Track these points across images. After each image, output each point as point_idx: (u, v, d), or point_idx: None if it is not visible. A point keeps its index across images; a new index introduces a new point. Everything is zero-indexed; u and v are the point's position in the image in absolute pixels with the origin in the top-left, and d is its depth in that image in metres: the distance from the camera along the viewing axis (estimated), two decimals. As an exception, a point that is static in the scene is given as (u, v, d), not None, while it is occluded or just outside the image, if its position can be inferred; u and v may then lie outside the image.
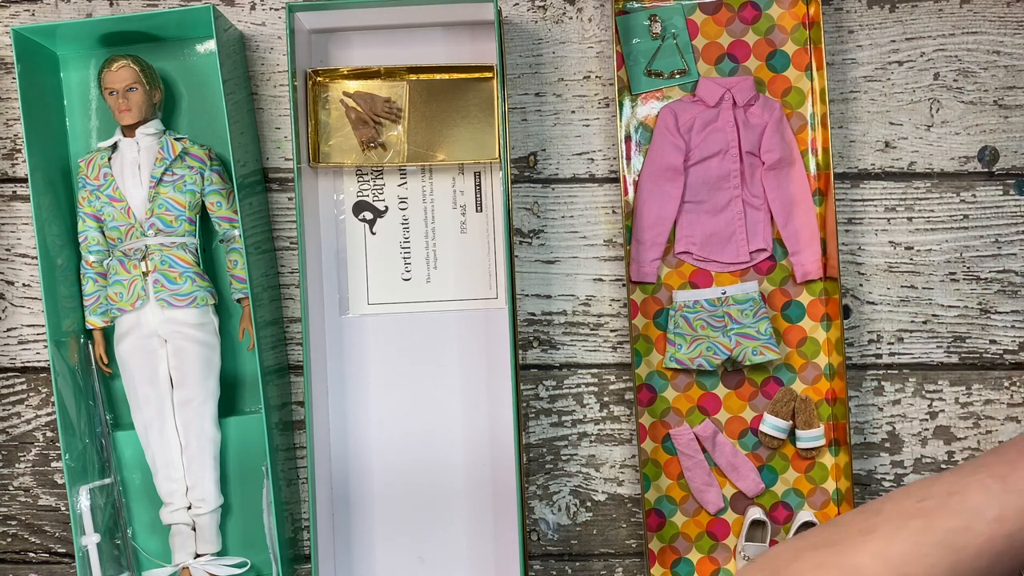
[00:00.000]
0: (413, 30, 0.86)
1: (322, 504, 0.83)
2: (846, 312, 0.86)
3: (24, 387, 0.88)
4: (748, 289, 0.85)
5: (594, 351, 0.87)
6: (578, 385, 0.87)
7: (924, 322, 0.87)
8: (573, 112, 0.87)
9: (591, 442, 0.87)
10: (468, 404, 0.86)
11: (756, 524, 0.85)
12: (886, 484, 0.87)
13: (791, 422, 0.85)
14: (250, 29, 0.87)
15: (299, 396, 0.87)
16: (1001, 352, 0.86)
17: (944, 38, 0.86)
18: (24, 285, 0.88)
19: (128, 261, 0.81)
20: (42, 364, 0.88)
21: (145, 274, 0.80)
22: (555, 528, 0.87)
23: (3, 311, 0.88)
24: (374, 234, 0.87)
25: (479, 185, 0.87)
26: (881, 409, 0.87)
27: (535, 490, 0.87)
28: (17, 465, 0.88)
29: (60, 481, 0.88)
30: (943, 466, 0.87)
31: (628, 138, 0.86)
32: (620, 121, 0.84)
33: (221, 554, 0.84)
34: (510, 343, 0.79)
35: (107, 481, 0.84)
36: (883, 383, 0.87)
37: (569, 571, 0.88)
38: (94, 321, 0.83)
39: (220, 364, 0.83)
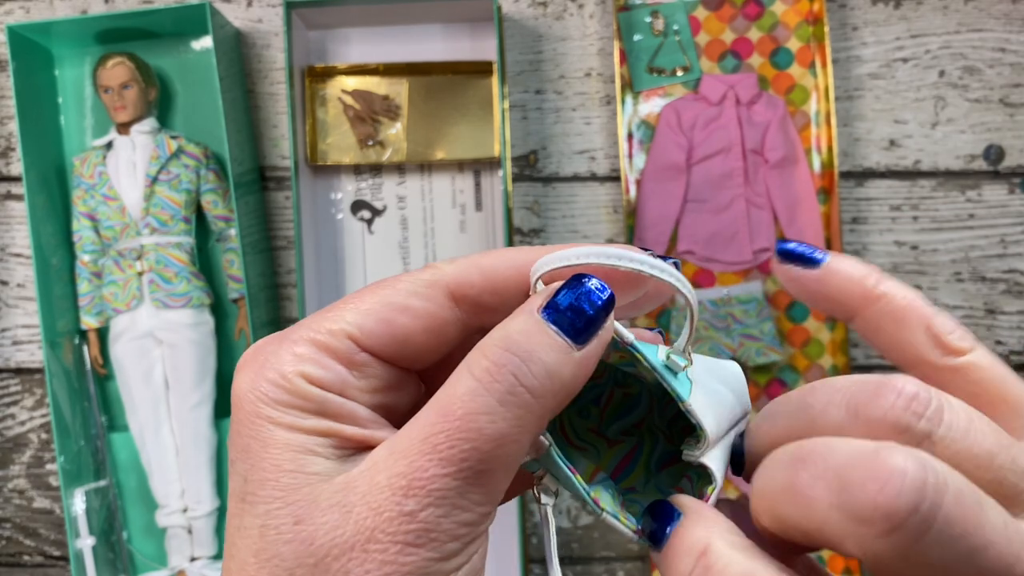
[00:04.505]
0: (412, 27, 0.85)
1: (320, 507, 0.82)
2: (850, 312, 0.85)
3: (18, 388, 0.87)
4: (751, 289, 0.84)
5: (595, 352, 0.86)
6: (579, 386, 0.86)
7: (929, 322, 0.86)
8: (574, 110, 0.86)
9: (592, 444, 0.86)
10: (468, 405, 0.85)
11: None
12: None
13: None
14: (247, 26, 0.86)
15: (297, 397, 0.86)
16: (1007, 352, 0.85)
17: (949, 35, 0.85)
18: (18, 285, 0.87)
19: (123, 261, 0.80)
20: (37, 365, 0.87)
21: (140, 274, 0.79)
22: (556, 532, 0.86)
23: (-3, 311, 0.87)
24: (372, 233, 0.86)
25: (479, 184, 0.86)
26: (886, 410, 0.86)
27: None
28: (11, 467, 0.87)
29: (55, 483, 0.87)
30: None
31: (630, 136, 0.85)
32: (622, 119, 0.83)
33: (217, 557, 0.83)
34: (510, 344, 0.78)
35: (102, 483, 0.83)
36: (888, 384, 0.86)
37: (570, 575, 0.87)
38: (89, 322, 0.82)
39: (216, 365, 0.82)
